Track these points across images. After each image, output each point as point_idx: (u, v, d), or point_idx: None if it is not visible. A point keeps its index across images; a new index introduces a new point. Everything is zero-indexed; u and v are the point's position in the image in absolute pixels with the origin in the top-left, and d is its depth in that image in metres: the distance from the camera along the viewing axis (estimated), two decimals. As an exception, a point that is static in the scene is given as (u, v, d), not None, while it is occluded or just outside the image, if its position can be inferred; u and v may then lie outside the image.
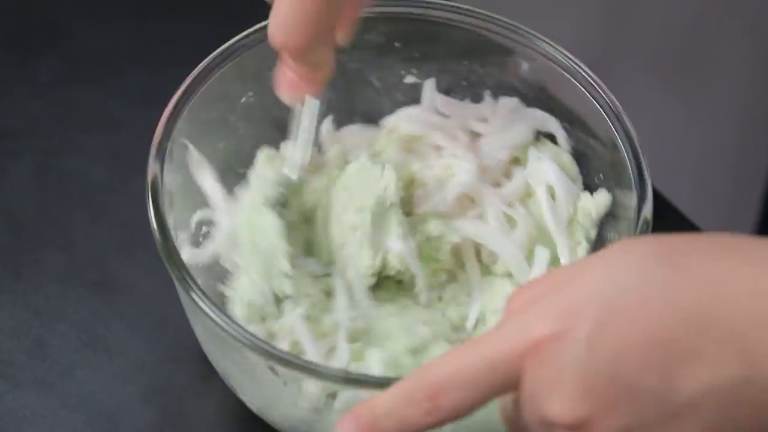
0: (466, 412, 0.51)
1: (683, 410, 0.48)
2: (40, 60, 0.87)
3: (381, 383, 0.58)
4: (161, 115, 0.69)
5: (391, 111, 0.76)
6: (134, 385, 0.72)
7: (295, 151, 0.70)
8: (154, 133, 0.68)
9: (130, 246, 0.77)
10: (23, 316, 0.75)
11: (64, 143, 0.83)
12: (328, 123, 0.75)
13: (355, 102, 0.76)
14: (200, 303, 0.62)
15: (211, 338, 0.65)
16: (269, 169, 0.71)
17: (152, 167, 0.66)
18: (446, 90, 0.76)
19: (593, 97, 0.71)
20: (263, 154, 0.73)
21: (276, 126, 0.74)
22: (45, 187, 0.81)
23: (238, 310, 0.67)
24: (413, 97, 0.76)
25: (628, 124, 0.70)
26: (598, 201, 0.71)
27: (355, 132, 0.76)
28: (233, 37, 0.72)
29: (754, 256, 0.50)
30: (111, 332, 0.74)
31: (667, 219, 0.81)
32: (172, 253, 0.64)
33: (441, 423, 0.51)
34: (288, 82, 0.66)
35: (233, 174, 0.73)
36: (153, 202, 0.65)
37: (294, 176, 0.70)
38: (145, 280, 0.76)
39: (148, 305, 0.75)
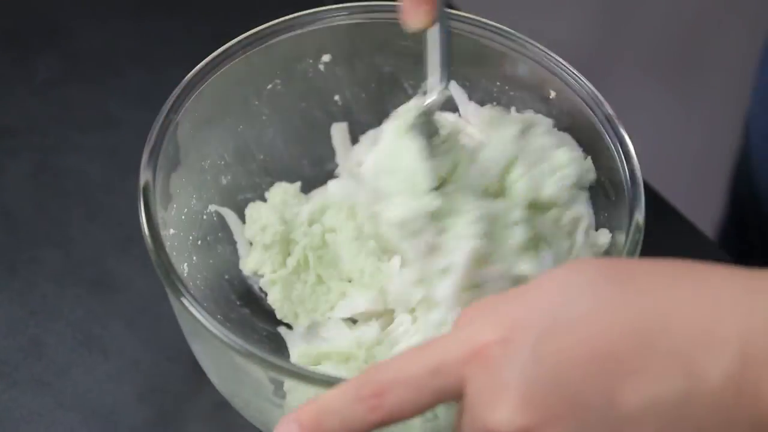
0: (410, 414, 0.51)
1: (624, 425, 0.49)
2: (38, 59, 0.87)
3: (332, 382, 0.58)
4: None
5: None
6: (130, 385, 0.72)
7: (429, 76, 0.68)
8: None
9: (127, 245, 0.77)
10: (19, 314, 0.75)
11: (62, 142, 0.83)
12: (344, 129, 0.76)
13: (386, 105, 0.76)
14: (193, 310, 0.61)
15: (202, 343, 0.65)
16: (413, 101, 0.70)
17: (144, 173, 0.66)
18: None
19: (589, 106, 0.71)
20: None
21: (303, 119, 0.74)
22: (43, 186, 0.81)
23: (390, 227, 0.66)
24: (445, 108, 0.75)
25: (615, 118, 0.70)
26: (597, 239, 0.71)
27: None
28: (232, 36, 0.72)
29: (704, 280, 0.50)
30: (107, 331, 0.74)
31: (665, 219, 0.81)
32: (162, 256, 0.63)
33: (384, 422, 0.51)
34: (407, 8, 0.65)
35: (251, 158, 0.74)
36: (145, 207, 0.65)
37: (431, 99, 0.68)
38: (141, 279, 0.76)
39: (144, 304, 0.75)
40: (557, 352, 0.49)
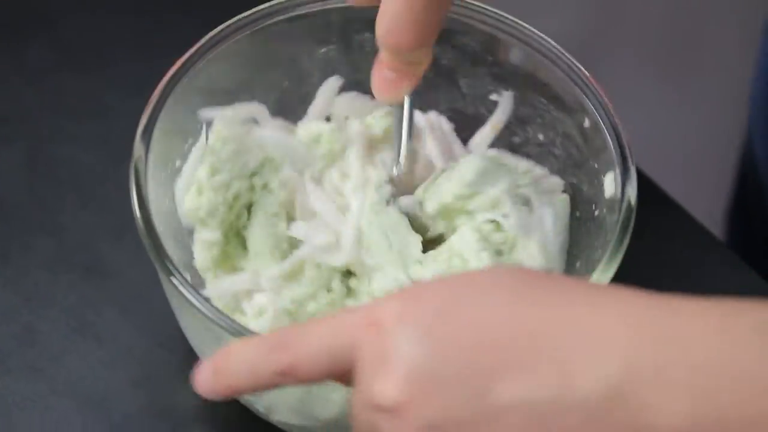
0: (308, 372, 0.53)
1: (491, 417, 0.49)
2: (31, 47, 0.87)
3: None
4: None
5: (472, 119, 0.76)
6: (123, 371, 0.72)
7: (395, 147, 0.70)
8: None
9: (119, 232, 0.77)
10: (12, 302, 0.75)
11: (55, 130, 0.83)
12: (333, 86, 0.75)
13: (439, 96, 0.76)
14: (181, 288, 0.62)
15: (194, 324, 0.66)
16: (371, 171, 0.71)
17: (138, 147, 0.67)
18: (521, 119, 0.75)
19: (574, 81, 0.71)
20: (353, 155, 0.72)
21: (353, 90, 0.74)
22: (35, 174, 0.81)
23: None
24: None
25: (601, 92, 0.70)
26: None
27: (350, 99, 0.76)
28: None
29: (602, 296, 0.51)
30: (100, 318, 0.74)
31: (665, 212, 0.81)
32: (152, 233, 0.64)
33: (286, 374, 0.53)
34: (385, 81, 0.66)
35: (293, 114, 0.74)
36: (136, 184, 0.65)
37: (395, 172, 0.71)
38: (134, 267, 0.76)
39: (137, 291, 0.75)
40: (444, 336, 0.50)
